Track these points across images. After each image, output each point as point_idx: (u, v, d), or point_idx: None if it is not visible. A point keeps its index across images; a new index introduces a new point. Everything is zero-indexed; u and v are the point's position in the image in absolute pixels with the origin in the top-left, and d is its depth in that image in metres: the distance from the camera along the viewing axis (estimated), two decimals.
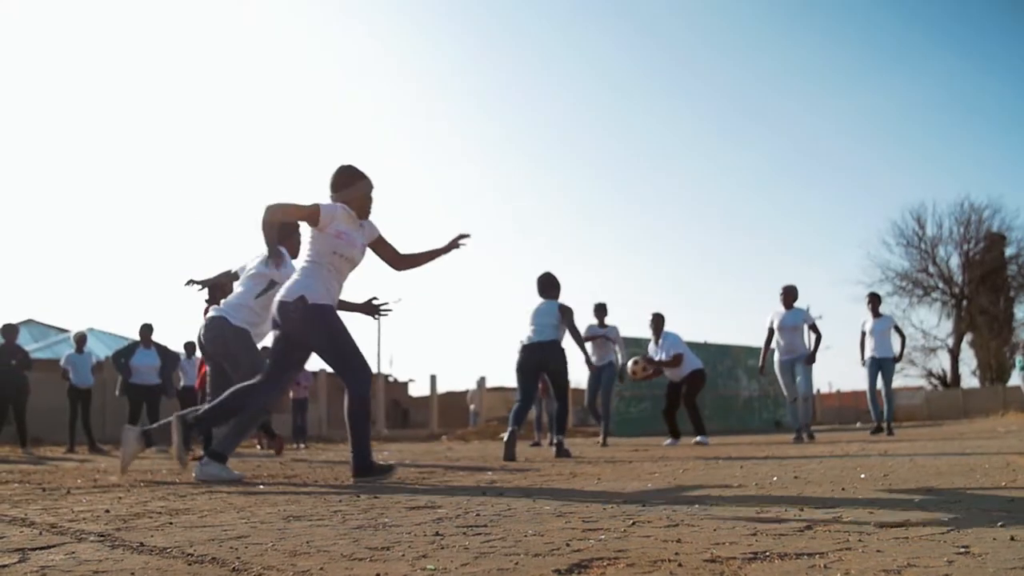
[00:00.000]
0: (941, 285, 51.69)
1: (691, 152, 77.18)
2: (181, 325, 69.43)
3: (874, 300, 11.61)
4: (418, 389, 45.81)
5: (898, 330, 11.43)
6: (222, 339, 5.53)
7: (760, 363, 10.65)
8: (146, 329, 12.74)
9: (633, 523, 2.29)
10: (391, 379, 45.54)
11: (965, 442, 7.63)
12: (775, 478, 3.73)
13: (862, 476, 3.64)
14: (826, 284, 75.45)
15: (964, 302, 51.14)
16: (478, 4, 78.76)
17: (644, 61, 77.81)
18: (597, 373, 10.89)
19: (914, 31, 71.01)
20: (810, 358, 10.11)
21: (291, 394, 16.16)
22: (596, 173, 79.28)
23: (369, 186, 5.16)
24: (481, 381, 30.33)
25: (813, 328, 10.64)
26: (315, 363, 33.81)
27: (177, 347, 14.22)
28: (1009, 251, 52.28)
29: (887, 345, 11.18)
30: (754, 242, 73.24)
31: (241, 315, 5.57)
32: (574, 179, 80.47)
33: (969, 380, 51.65)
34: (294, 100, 76.38)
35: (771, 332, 10.23)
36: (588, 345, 10.42)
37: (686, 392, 10.70)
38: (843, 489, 3.07)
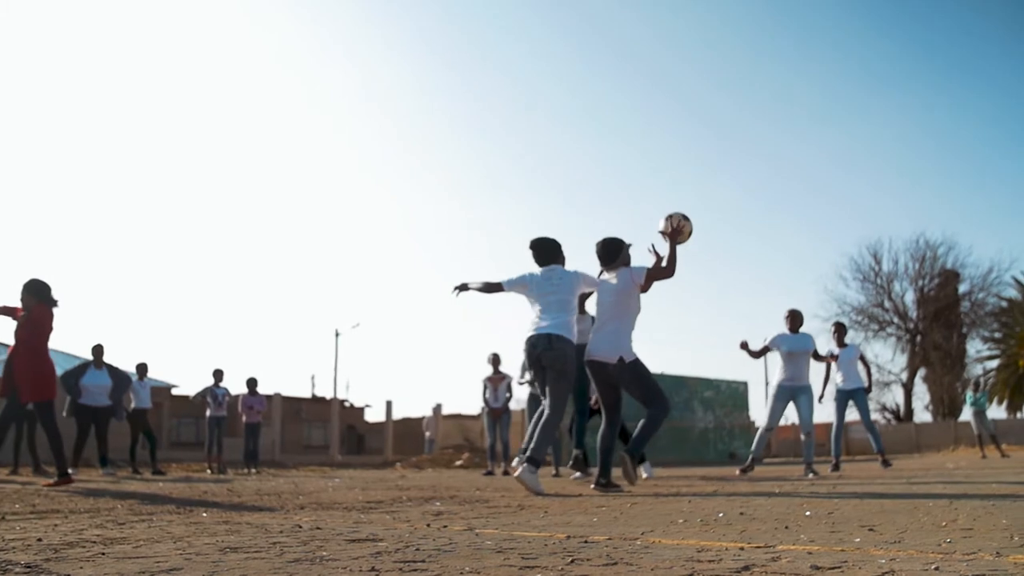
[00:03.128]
0: (896, 320, 52.40)
1: (648, 184, 77.77)
2: (134, 346, 68.58)
3: (840, 330, 11.54)
4: (374, 415, 45.52)
5: (864, 360, 11.31)
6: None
7: (752, 353, 9.81)
8: (98, 349, 12.55)
9: (572, 560, 2.27)
10: (347, 404, 45.24)
11: (914, 478, 7.69)
12: (721, 514, 3.73)
13: (807, 514, 3.65)
14: (781, 320, 75.79)
15: (918, 337, 51.84)
16: (452, 34, 79.09)
17: (613, 86, 78.42)
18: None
19: (874, 70, 72.25)
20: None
21: (244, 418, 16.00)
22: (554, 200, 79.64)
23: (629, 247, 6.59)
24: (437, 408, 30.22)
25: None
26: (270, 387, 33.51)
27: (129, 368, 14.04)
28: (962, 288, 53.13)
29: (855, 375, 11.10)
30: (711, 274, 73.85)
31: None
32: (535, 204, 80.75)
33: (922, 415, 52.25)
34: (250, 122, 76.11)
35: (766, 349, 9.72)
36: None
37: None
38: (786, 528, 3.07)
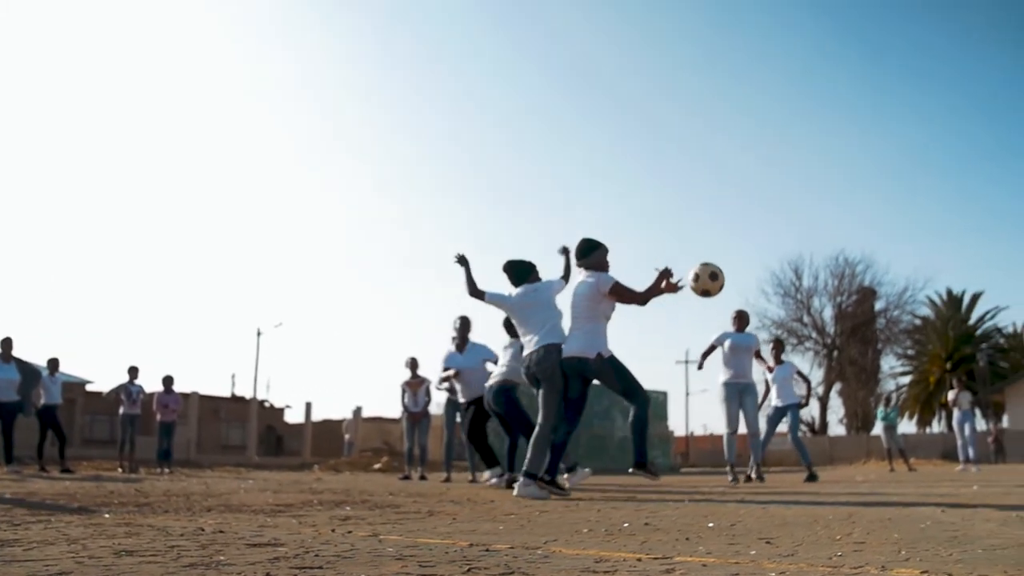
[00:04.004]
0: (814, 335, 53.49)
1: (578, 188, 78.27)
2: (46, 340, 66.91)
3: (778, 346, 11.74)
4: (295, 416, 44.99)
5: (801, 375, 11.52)
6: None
7: (699, 362, 10.08)
8: (6, 343, 12.23)
9: (469, 569, 2.28)
10: (267, 404, 44.72)
11: (821, 490, 7.84)
12: (626, 524, 3.77)
13: (710, 525, 3.70)
14: (707, 329, 76.84)
15: (835, 352, 52.92)
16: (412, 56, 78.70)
17: (553, 89, 78.78)
18: (456, 408, 10.98)
19: (802, 89, 73.71)
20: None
21: (158, 416, 15.71)
22: (486, 200, 79.71)
23: (607, 251, 6.64)
24: (357, 411, 30.01)
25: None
26: (187, 386, 32.96)
27: (40, 363, 13.70)
28: (879, 305, 54.49)
29: (791, 391, 11.32)
30: (636, 282, 74.42)
31: None
32: (465, 205, 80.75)
33: (836, 428, 53.43)
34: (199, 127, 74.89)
35: (712, 347, 9.84)
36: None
37: (478, 419, 9.43)
38: (687, 539, 3.11)
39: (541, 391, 6.56)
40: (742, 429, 9.98)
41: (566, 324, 6.69)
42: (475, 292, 7.11)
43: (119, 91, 74.05)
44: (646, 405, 6.50)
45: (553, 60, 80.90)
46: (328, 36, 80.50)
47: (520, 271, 7.09)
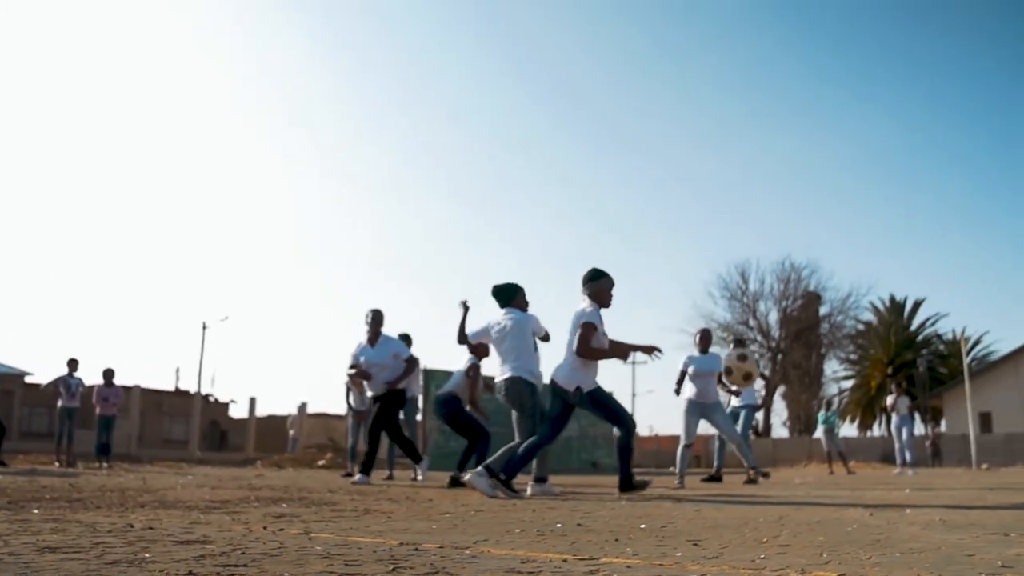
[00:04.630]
0: (759, 338, 54.12)
1: (522, 191, 78.40)
2: None
3: (739, 346, 11.89)
4: (239, 411, 44.54)
5: (763, 376, 11.67)
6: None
7: (676, 389, 10.06)
8: None
9: (394, 568, 2.29)
10: (211, 399, 44.26)
11: (757, 492, 7.94)
12: (559, 524, 3.79)
13: (642, 526, 3.73)
14: (654, 329, 77.57)
15: (779, 356, 53.56)
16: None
17: (509, 91, 78.79)
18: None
19: (756, 97, 74.45)
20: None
21: (98, 410, 15.49)
22: (435, 198, 79.54)
23: (611, 283, 7.02)
24: (302, 407, 29.80)
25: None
26: (130, 379, 32.51)
27: None
28: (823, 310, 55.27)
29: (750, 392, 11.46)
30: (574, 282, 74.64)
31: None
32: (415, 205, 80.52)
33: (779, 430, 54.10)
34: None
35: (683, 374, 9.92)
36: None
37: (382, 415, 9.23)
38: (616, 540, 3.14)
39: (515, 415, 7.23)
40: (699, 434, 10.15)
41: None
42: (462, 339, 7.72)
43: (60, 79, 72.84)
44: (630, 433, 6.87)
45: (506, 56, 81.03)
46: (285, 30, 79.80)
47: (504, 295, 7.48)
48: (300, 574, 2.17)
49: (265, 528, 3.46)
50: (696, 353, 10.17)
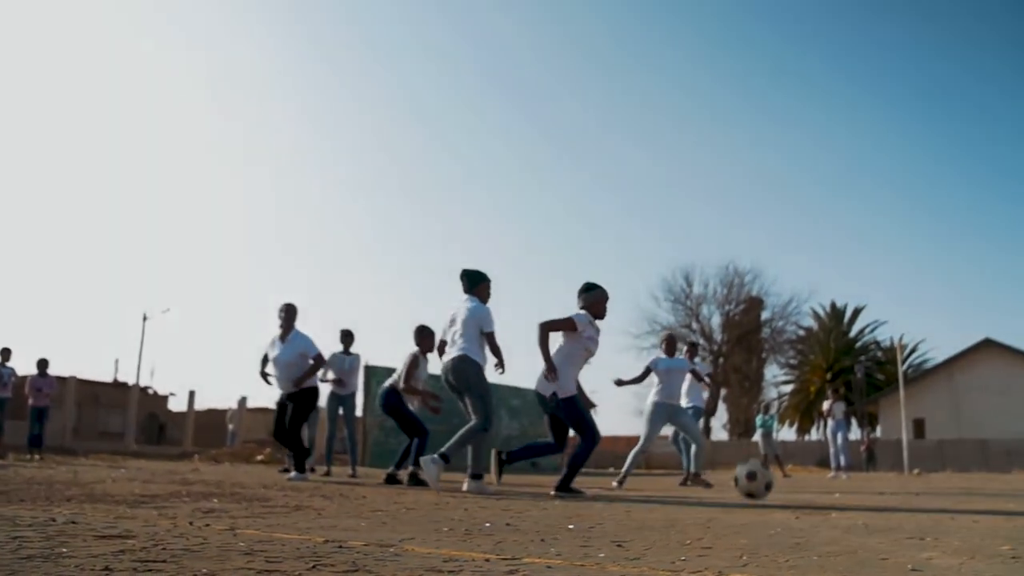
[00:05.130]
0: (702, 342, 54.57)
1: (464, 190, 78.42)
2: None
3: (692, 350, 12.01)
4: (178, 404, 43.90)
5: (712, 378, 11.81)
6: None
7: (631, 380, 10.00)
8: None
9: (314, 566, 2.29)
10: (150, 391, 43.62)
11: (690, 494, 8.02)
12: (488, 524, 3.80)
13: (570, 527, 3.76)
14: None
15: (721, 360, 54.13)
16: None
17: (444, 85, 78.64)
18: (340, 402, 11.12)
19: (702, 102, 75.16)
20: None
21: (30, 401, 15.21)
22: (381, 192, 79.23)
23: (605, 295, 7.19)
24: (242, 401, 29.50)
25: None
26: (66, 369, 31.94)
27: None
28: (765, 315, 55.98)
29: (697, 394, 11.67)
30: (521, 281, 74.96)
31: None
32: (357, 198, 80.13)
33: (719, 433, 54.68)
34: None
35: (648, 371, 9.91)
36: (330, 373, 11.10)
37: (296, 414, 9.10)
38: (542, 540, 3.16)
39: (467, 398, 7.20)
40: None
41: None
42: (441, 343, 7.65)
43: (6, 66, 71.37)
44: (591, 446, 7.02)
45: (445, 50, 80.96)
46: (228, 23, 78.94)
47: (469, 280, 7.50)
48: (219, 571, 2.16)
49: (191, 524, 3.43)
50: (662, 355, 10.24)
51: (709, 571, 2.39)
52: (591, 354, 7.14)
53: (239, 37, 77.95)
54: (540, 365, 6.86)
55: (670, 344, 10.39)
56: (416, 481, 8.24)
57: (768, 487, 6.47)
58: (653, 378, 9.92)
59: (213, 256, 79.55)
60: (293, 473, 9.08)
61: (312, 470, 12.31)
